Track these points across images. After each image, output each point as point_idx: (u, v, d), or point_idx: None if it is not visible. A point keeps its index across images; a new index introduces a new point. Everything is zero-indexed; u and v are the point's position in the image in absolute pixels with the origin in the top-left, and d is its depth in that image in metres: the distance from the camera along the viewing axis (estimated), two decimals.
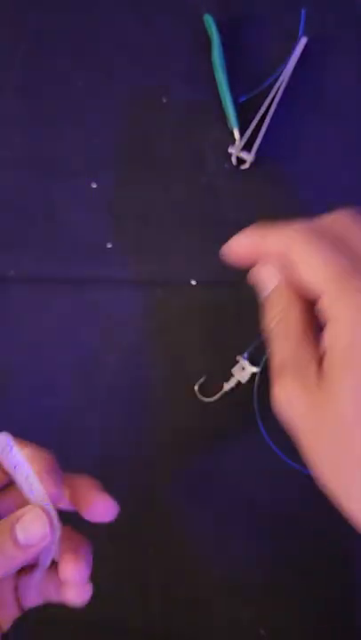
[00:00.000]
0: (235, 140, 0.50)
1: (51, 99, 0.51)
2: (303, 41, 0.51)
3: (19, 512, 0.31)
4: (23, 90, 0.51)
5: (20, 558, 0.30)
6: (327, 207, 0.50)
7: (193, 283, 0.49)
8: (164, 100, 0.51)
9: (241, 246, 0.33)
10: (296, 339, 0.29)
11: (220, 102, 0.50)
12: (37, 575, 0.33)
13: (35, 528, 0.30)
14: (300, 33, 0.51)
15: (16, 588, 0.35)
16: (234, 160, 0.50)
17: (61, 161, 0.50)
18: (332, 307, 0.26)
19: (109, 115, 0.51)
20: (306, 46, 0.51)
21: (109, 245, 0.49)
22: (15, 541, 0.30)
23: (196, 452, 0.47)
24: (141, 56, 0.52)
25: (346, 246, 0.27)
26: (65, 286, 0.49)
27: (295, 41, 0.51)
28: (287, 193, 0.50)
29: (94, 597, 0.45)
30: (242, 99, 0.51)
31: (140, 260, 0.49)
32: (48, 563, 0.32)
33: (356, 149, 0.51)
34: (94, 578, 0.46)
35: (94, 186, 0.50)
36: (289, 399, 0.27)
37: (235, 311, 0.48)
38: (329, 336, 0.26)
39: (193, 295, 0.49)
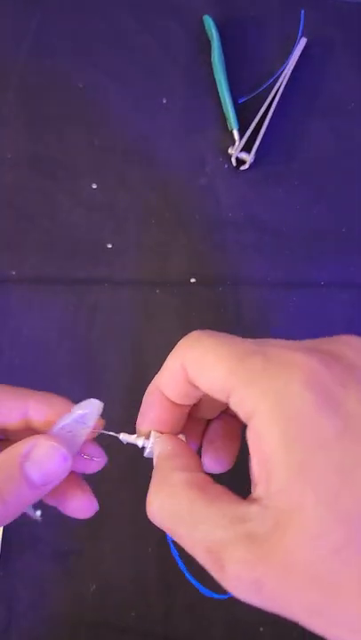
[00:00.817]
0: (234, 140, 0.50)
1: (51, 99, 0.51)
2: (302, 42, 0.51)
3: (23, 445, 0.27)
4: (23, 90, 0.51)
5: (34, 499, 0.27)
6: (328, 206, 0.51)
7: (192, 281, 0.49)
8: (164, 101, 0.51)
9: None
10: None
11: (220, 103, 0.51)
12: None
13: (50, 463, 0.27)
14: (300, 34, 0.51)
15: None
16: (233, 161, 0.50)
17: (62, 161, 0.51)
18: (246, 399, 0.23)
19: (109, 115, 0.51)
20: (305, 47, 0.51)
21: (109, 245, 0.49)
22: (29, 483, 0.27)
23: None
24: (141, 57, 0.52)
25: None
26: (65, 286, 0.49)
27: (294, 42, 0.51)
28: (287, 193, 0.50)
29: (94, 598, 0.46)
30: (241, 100, 0.51)
31: (140, 259, 0.49)
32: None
33: (356, 150, 0.51)
34: (94, 579, 0.46)
35: (94, 186, 0.50)
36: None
37: (235, 311, 0.49)
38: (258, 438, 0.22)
39: (193, 295, 0.49)
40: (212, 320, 0.49)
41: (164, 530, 0.25)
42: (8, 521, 0.27)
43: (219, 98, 0.51)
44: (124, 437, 0.30)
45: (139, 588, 0.45)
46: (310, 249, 0.50)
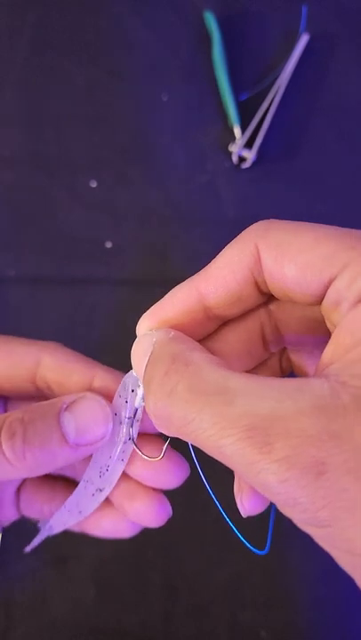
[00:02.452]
0: (235, 138, 0.49)
1: (51, 97, 0.51)
2: (305, 38, 0.50)
3: (69, 395, 0.24)
4: (23, 89, 0.51)
5: (63, 459, 0.24)
6: (330, 205, 0.50)
7: None
8: (165, 98, 0.51)
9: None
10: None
11: (221, 100, 0.50)
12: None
13: (90, 420, 0.24)
14: (302, 30, 0.51)
15: (19, 491, 0.30)
16: (235, 158, 0.49)
17: (61, 160, 0.50)
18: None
19: (109, 113, 0.51)
20: (308, 43, 0.50)
21: (109, 245, 0.49)
22: (63, 434, 0.23)
23: (198, 452, 0.47)
24: (142, 54, 0.51)
25: None
26: (65, 286, 0.48)
27: (296, 38, 0.50)
28: (288, 191, 0.50)
29: (94, 603, 0.45)
30: (243, 97, 0.50)
31: (139, 259, 0.49)
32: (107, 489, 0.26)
33: (359, 147, 0.51)
34: (94, 584, 0.45)
35: (94, 185, 0.50)
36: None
37: None
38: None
39: None
40: None
41: (174, 428, 0.19)
42: (21, 474, 0.24)
43: (220, 94, 0.50)
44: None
45: (139, 592, 0.45)
46: None
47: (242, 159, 0.49)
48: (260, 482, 0.17)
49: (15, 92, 0.51)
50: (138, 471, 0.27)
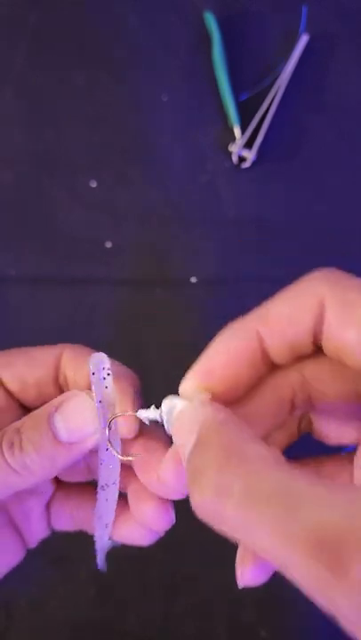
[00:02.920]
0: (235, 138, 0.49)
1: (51, 97, 0.51)
2: (304, 38, 0.50)
3: (58, 398, 0.25)
4: (23, 89, 0.51)
5: (62, 458, 0.24)
6: (331, 204, 0.50)
7: (193, 281, 0.48)
8: (165, 99, 0.51)
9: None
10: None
11: (221, 100, 0.50)
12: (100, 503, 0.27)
13: (79, 417, 0.24)
14: (301, 30, 0.51)
15: (49, 505, 0.31)
16: (235, 158, 0.49)
17: (61, 160, 0.50)
18: None
19: (109, 113, 0.51)
20: (307, 43, 0.50)
21: (109, 244, 0.49)
22: (55, 435, 0.24)
23: None
24: (142, 54, 0.51)
25: None
26: (64, 285, 0.48)
27: (296, 38, 0.50)
28: (288, 191, 0.50)
29: (94, 601, 0.45)
30: (243, 97, 0.50)
31: (139, 259, 0.49)
32: (112, 485, 0.26)
33: (359, 147, 0.51)
34: (94, 582, 0.45)
35: (94, 185, 0.50)
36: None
37: (236, 311, 0.48)
38: None
39: (193, 294, 0.48)
40: (213, 320, 0.48)
41: (226, 527, 0.17)
42: (28, 480, 0.24)
43: (220, 94, 0.50)
44: (143, 413, 0.25)
45: (139, 591, 0.45)
46: (312, 247, 0.49)
47: (242, 159, 0.49)
48: (327, 600, 0.15)
49: (15, 92, 0.51)
50: (140, 476, 0.27)
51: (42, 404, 0.28)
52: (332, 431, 0.25)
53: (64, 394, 0.25)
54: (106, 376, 0.25)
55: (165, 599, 0.45)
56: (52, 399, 0.28)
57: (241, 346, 0.23)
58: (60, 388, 0.29)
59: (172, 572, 0.45)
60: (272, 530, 0.16)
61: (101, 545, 0.30)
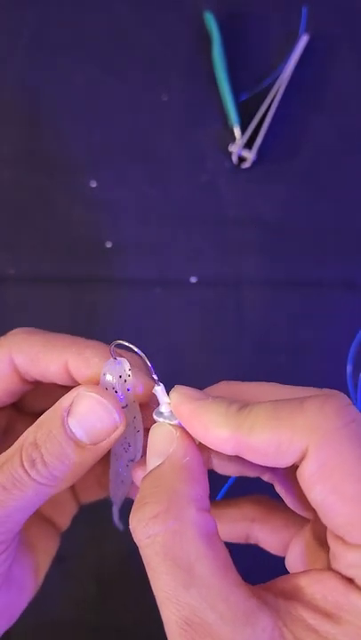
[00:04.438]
0: (235, 138, 0.49)
1: (51, 97, 0.51)
2: (304, 38, 0.50)
3: (64, 400, 0.24)
4: (23, 88, 0.51)
5: (90, 460, 0.24)
6: (331, 205, 0.50)
7: (193, 281, 0.48)
8: (164, 98, 0.51)
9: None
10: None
11: (221, 100, 0.50)
12: (116, 473, 0.27)
13: (94, 417, 0.24)
14: (301, 30, 0.51)
15: (73, 488, 0.31)
16: (234, 158, 0.49)
17: (61, 159, 0.50)
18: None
19: (109, 113, 0.51)
20: (308, 43, 0.50)
21: (109, 245, 0.49)
22: (76, 442, 0.24)
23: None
24: (141, 54, 0.51)
25: None
26: (64, 285, 0.48)
27: (296, 38, 0.50)
28: (289, 191, 0.50)
29: (95, 600, 0.45)
30: (243, 97, 0.50)
31: (139, 259, 0.49)
32: (134, 457, 0.27)
33: (359, 147, 0.51)
34: (94, 581, 0.45)
35: (94, 185, 0.50)
36: None
37: (236, 311, 0.48)
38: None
39: (193, 294, 0.48)
40: (213, 320, 0.48)
41: (145, 563, 0.22)
42: (60, 486, 0.24)
43: (219, 95, 0.50)
44: (159, 390, 0.25)
45: (139, 591, 0.45)
46: (313, 248, 0.49)
47: (242, 159, 0.49)
48: None
49: (15, 92, 0.51)
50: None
51: (21, 397, 0.28)
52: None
53: (68, 395, 0.24)
54: (127, 378, 0.25)
55: None
56: (28, 389, 0.28)
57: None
58: (28, 381, 0.28)
59: None
60: (166, 584, 0.20)
61: (117, 501, 0.30)
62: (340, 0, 0.52)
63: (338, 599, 0.20)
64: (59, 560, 0.45)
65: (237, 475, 0.27)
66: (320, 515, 0.21)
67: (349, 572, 0.20)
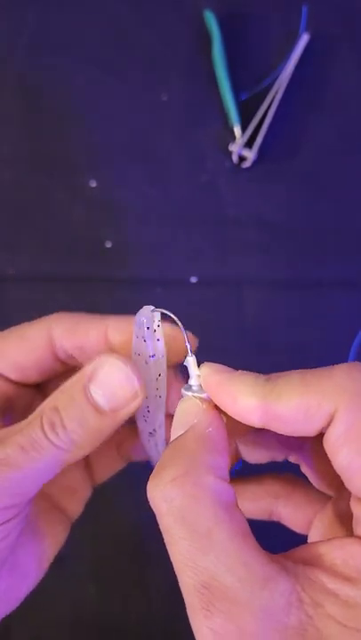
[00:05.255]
0: (235, 137, 0.49)
1: (51, 97, 0.51)
2: (305, 38, 0.50)
3: (88, 367, 0.24)
4: (23, 89, 0.51)
5: (109, 427, 0.24)
6: (331, 205, 0.50)
7: (193, 281, 0.48)
8: (164, 98, 0.51)
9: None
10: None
11: (221, 100, 0.50)
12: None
13: (115, 382, 0.24)
14: (302, 30, 0.51)
15: (88, 464, 0.31)
16: (235, 158, 0.49)
17: (61, 159, 0.50)
18: None
19: (109, 113, 0.51)
20: (308, 43, 0.50)
21: (109, 244, 0.49)
22: (96, 407, 0.24)
23: None
24: (141, 53, 0.51)
25: None
26: (64, 285, 0.48)
27: (296, 38, 0.50)
28: (289, 191, 0.50)
29: (94, 600, 0.45)
30: (243, 96, 0.50)
31: (139, 258, 0.49)
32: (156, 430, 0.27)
33: (359, 147, 0.51)
34: (94, 581, 0.45)
35: (93, 184, 0.50)
36: None
37: (236, 311, 0.48)
38: None
39: (193, 294, 0.48)
40: (213, 320, 0.48)
41: (161, 526, 0.21)
42: (77, 454, 0.25)
43: (220, 94, 0.50)
44: (191, 360, 0.25)
45: (139, 590, 0.45)
46: (313, 248, 0.49)
47: (242, 159, 0.49)
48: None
49: (15, 92, 0.51)
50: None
51: (47, 379, 0.28)
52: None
53: (93, 362, 0.25)
54: (156, 328, 0.25)
55: (166, 597, 0.45)
56: (58, 371, 0.28)
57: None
58: (60, 360, 0.29)
59: (173, 571, 0.45)
60: (177, 558, 0.21)
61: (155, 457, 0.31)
62: (340, 0, 0.52)
63: (359, 563, 0.20)
64: (58, 560, 0.45)
65: (265, 460, 0.27)
66: (345, 480, 0.21)
67: None
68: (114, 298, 0.48)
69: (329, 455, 0.21)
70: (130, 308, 0.48)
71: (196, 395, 0.23)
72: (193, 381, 0.24)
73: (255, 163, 0.49)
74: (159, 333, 0.25)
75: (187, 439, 0.22)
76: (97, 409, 0.24)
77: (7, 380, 0.29)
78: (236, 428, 0.24)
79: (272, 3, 0.52)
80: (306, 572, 0.20)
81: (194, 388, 0.24)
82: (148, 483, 0.21)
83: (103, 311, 0.48)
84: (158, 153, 0.50)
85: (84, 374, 0.24)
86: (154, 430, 0.27)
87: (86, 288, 0.48)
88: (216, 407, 0.23)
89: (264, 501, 0.28)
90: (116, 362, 0.24)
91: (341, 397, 0.20)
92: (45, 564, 0.30)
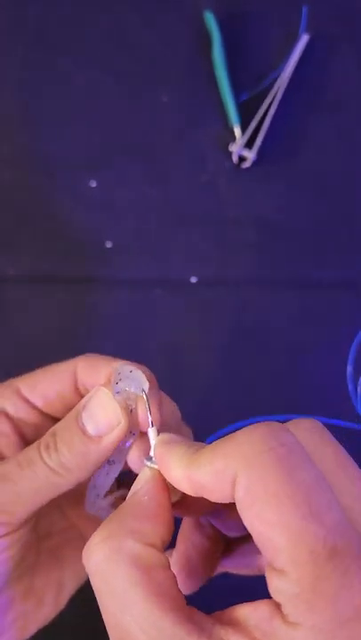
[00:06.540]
0: (235, 138, 0.49)
1: (51, 97, 0.51)
2: (305, 38, 0.50)
3: (85, 397, 0.27)
4: (23, 88, 0.51)
5: (94, 453, 0.27)
6: (331, 205, 0.50)
7: (193, 281, 0.48)
8: (164, 99, 0.51)
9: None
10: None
11: (221, 100, 0.50)
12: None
13: (102, 411, 0.26)
14: (302, 30, 0.51)
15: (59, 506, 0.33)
16: (235, 158, 0.49)
17: (61, 159, 0.50)
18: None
19: (109, 113, 0.51)
20: (308, 44, 0.50)
21: (109, 245, 0.49)
22: (83, 431, 0.26)
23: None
24: (141, 54, 0.51)
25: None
26: (64, 285, 0.48)
27: (296, 38, 0.50)
28: (289, 192, 0.50)
29: (94, 599, 0.45)
30: (243, 97, 0.50)
31: (139, 259, 0.49)
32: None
33: (359, 148, 0.51)
34: None
35: (94, 184, 0.50)
36: None
37: (236, 311, 0.48)
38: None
39: (193, 294, 0.48)
40: (213, 320, 0.48)
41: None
42: (69, 479, 0.27)
43: (220, 95, 0.50)
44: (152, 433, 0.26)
45: None
46: (313, 248, 0.49)
47: (242, 159, 0.49)
48: None
49: (15, 92, 0.51)
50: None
51: (64, 407, 0.31)
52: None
53: (90, 392, 0.27)
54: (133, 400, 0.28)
55: None
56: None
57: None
58: (81, 395, 0.31)
59: None
60: (103, 615, 0.22)
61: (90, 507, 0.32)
62: (340, 0, 0.52)
63: (265, 626, 0.20)
64: None
65: (243, 533, 0.28)
66: (255, 541, 0.21)
67: (277, 598, 0.20)
68: (114, 298, 0.48)
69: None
70: (130, 309, 0.48)
71: (149, 464, 0.25)
72: (152, 452, 0.26)
73: (255, 163, 0.49)
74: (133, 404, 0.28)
75: (124, 505, 0.24)
76: (84, 433, 0.26)
77: (36, 409, 0.31)
78: (199, 503, 0.25)
79: (272, 3, 0.52)
80: (220, 634, 0.20)
81: (154, 458, 0.26)
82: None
83: (103, 311, 0.49)
84: (158, 153, 0.50)
85: (81, 403, 0.27)
86: (113, 461, 0.29)
87: (86, 288, 0.48)
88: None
89: (252, 557, 0.30)
90: (105, 392, 0.27)
91: (239, 460, 0.20)
92: (65, 596, 0.32)
